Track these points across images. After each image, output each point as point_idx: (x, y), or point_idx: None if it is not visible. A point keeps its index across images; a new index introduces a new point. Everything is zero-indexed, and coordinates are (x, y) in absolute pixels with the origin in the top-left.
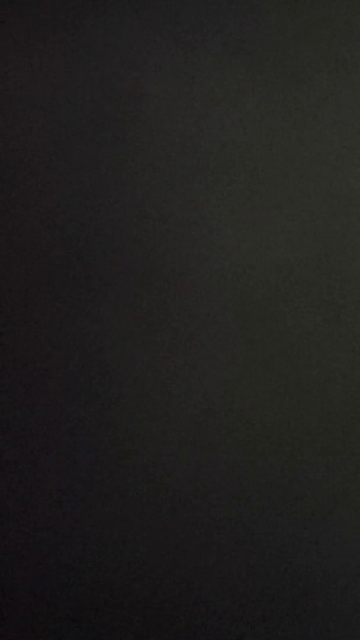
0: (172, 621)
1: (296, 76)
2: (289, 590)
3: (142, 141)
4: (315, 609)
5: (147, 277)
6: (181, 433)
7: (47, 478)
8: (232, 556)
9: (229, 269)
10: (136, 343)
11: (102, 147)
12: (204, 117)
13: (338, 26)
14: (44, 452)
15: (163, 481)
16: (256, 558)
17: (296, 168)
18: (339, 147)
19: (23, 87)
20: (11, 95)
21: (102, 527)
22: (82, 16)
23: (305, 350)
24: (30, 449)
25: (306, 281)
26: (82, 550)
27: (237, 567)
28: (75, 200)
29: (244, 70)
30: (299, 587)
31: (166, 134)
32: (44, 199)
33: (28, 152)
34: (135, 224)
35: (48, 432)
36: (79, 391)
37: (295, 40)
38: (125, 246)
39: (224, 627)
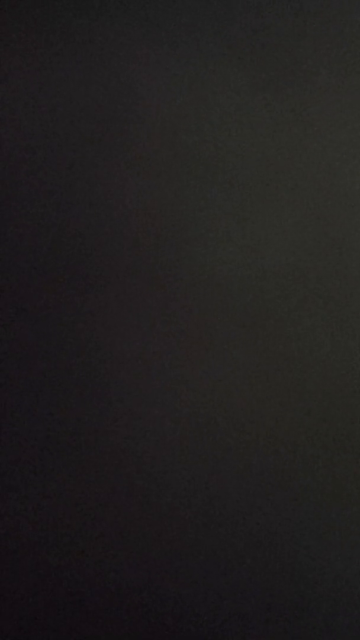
0: (171, 620)
1: (296, 77)
2: (289, 589)
3: (143, 144)
4: (316, 609)
5: (147, 279)
6: (181, 434)
7: (47, 477)
8: (232, 556)
9: (229, 271)
10: (136, 345)
11: (102, 150)
12: (204, 119)
13: (338, 26)
14: (43, 451)
15: (163, 480)
16: (256, 557)
17: (296, 170)
18: (339, 148)
19: (22, 90)
20: (10, 97)
21: (102, 526)
22: (81, 18)
23: (306, 351)
24: (29, 447)
25: (307, 283)
26: (81, 548)
27: (237, 567)
28: (75, 202)
29: (244, 72)
30: (299, 586)
31: (166, 136)
32: (44, 202)
33: (29, 154)
34: (135, 227)
35: (47, 431)
36: (78, 391)
37: (295, 41)
38: (126, 249)
39: (223, 626)
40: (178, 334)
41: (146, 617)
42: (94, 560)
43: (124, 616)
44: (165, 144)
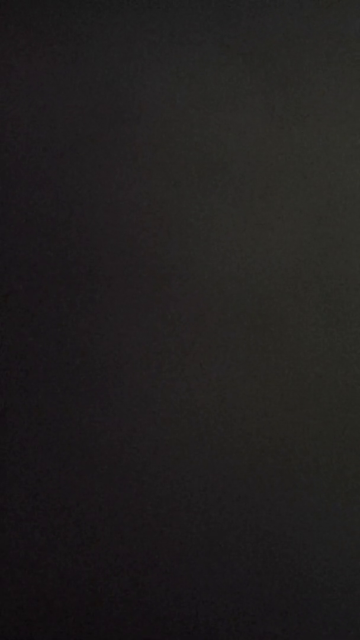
0: (171, 620)
1: (296, 77)
2: (289, 589)
3: (143, 144)
4: (316, 609)
5: (148, 279)
6: (181, 434)
7: (46, 478)
8: (232, 556)
9: (229, 271)
10: (136, 344)
11: (103, 149)
12: (204, 118)
13: (338, 26)
14: (43, 451)
15: (163, 480)
16: (256, 557)
17: (296, 169)
18: (339, 148)
19: (22, 90)
20: (10, 97)
21: (101, 526)
22: (81, 18)
23: (306, 351)
24: (29, 447)
25: (307, 283)
26: (81, 547)
27: (237, 567)
28: (75, 202)
29: (244, 71)
30: (299, 586)
31: (166, 136)
32: (44, 202)
33: (28, 154)
34: (136, 227)
35: (47, 431)
36: (78, 390)
37: (295, 40)
38: (126, 249)
39: (223, 626)
40: (178, 334)
41: (146, 617)
42: (94, 560)
43: (123, 616)
44: (165, 143)
